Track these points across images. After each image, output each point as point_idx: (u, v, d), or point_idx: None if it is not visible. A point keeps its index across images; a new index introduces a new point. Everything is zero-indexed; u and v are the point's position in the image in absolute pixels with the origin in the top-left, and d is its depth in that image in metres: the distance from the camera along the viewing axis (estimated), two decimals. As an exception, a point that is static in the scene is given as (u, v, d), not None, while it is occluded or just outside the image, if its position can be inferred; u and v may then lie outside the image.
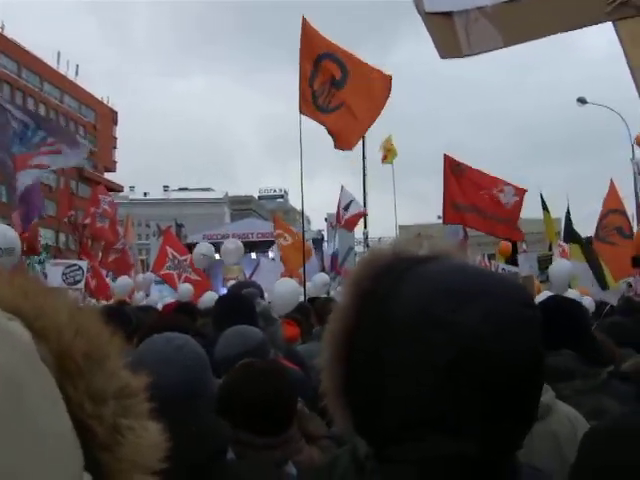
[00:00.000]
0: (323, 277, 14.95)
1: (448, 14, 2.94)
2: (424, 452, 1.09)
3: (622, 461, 1.93)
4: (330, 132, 9.61)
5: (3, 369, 0.47)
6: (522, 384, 1.10)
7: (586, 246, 15.10)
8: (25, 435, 0.48)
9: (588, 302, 11.85)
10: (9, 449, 0.46)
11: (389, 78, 9.69)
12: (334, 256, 20.50)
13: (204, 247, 16.22)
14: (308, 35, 9.41)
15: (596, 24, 2.81)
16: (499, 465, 1.12)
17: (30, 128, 9.68)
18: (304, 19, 9.42)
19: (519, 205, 12.47)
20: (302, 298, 9.76)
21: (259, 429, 2.48)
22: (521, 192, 12.50)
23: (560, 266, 14.13)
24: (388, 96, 9.66)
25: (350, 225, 18.93)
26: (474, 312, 1.08)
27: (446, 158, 12.52)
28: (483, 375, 1.07)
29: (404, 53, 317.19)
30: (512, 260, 15.55)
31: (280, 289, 8.66)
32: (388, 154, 18.66)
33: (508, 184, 12.45)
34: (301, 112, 9.45)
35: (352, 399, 1.17)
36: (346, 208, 18.26)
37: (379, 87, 9.64)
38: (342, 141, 9.71)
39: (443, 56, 2.99)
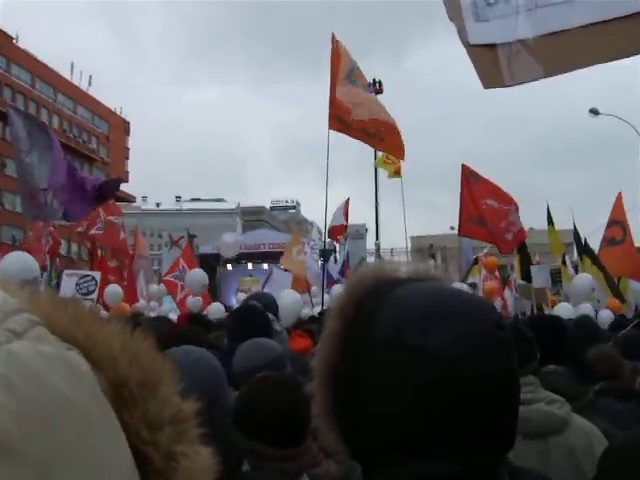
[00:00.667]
0: (340, 289, 14.97)
1: (491, 46, 3.04)
2: (403, 473, 1.11)
3: (633, 477, 1.97)
4: (377, 145, 9.79)
5: (68, 401, 0.49)
6: (496, 404, 1.12)
7: (597, 259, 15.14)
8: (95, 470, 0.49)
9: (606, 315, 11.83)
10: None
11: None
12: (345, 262, 20.51)
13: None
14: (337, 52, 9.49)
15: (637, 55, 2.87)
16: None
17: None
18: (334, 36, 9.48)
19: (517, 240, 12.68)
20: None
21: (275, 441, 2.50)
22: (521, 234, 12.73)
23: (582, 280, 14.15)
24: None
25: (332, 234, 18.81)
26: (444, 334, 1.10)
27: (464, 168, 12.54)
28: (456, 396, 1.09)
29: (417, 60, 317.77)
30: (525, 271, 15.49)
31: (282, 301, 8.71)
32: (394, 167, 18.57)
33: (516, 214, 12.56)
34: (330, 128, 9.50)
35: (339, 422, 1.20)
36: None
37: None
38: (394, 150, 9.89)
39: (486, 86, 3.09)
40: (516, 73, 3.00)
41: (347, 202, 18.51)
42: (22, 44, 69.56)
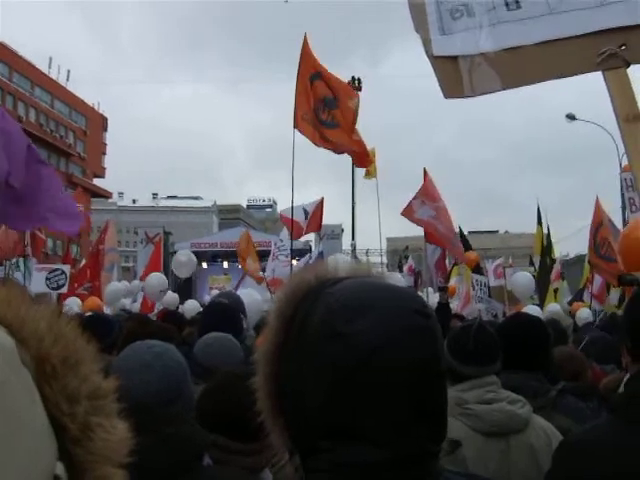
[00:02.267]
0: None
1: (454, 58, 3.20)
2: (334, 461, 1.15)
3: (583, 473, 2.03)
4: (349, 152, 9.76)
5: None
6: (419, 391, 1.15)
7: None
8: (7, 426, 0.54)
9: (586, 314, 12.05)
10: None
11: (358, 97, 9.86)
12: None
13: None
14: (307, 53, 9.50)
15: (586, 73, 3.05)
16: (413, 471, 1.16)
17: None
18: (305, 37, 9.50)
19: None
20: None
21: (236, 435, 2.51)
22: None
23: (521, 278, 14.56)
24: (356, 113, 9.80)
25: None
26: (366, 323, 1.15)
27: (425, 174, 12.63)
28: (380, 383, 1.13)
29: (392, 65, 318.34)
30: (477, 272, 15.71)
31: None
32: (370, 169, 18.32)
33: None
34: (295, 127, 9.50)
35: (280, 414, 1.25)
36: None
37: (355, 107, 9.78)
38: (361, 160, 9.85)
39: (447, 96, 3.24)
40: (476, 84, 3.16)
41: (321, 202, 18.37)
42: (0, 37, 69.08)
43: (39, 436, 0.58)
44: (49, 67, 77.55)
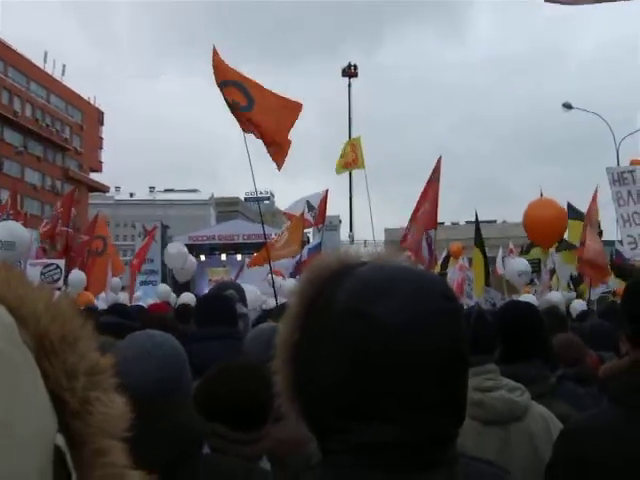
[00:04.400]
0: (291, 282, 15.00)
1: None
2: (353, 441, 1.15)
3: (585, 462, 2.04)
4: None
5: None
6: (441, 373, 1.16)
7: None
8: (10, 394, 0.57)
9: (580, 306, 12.06)
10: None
11: (299, 105, 9.76)
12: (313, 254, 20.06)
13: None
14: (215, 63, 9.52)
15: None
16: (431, 452, 1.16)
17: None
18: (215, 48, 9.55)
19: None
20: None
21: (235, 424, 2.52)
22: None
23: (517, 265, 14.68)
24: (294, 122, 9.74)
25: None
26: (391, 304, 1.15)
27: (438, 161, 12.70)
28: (403, 365, 1.13)
29: (389, 56, 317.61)
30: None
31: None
32: (355, 160, 17.88)
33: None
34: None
35: (298, 396, 1.25)
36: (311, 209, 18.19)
37: (287, 114, 9.72)
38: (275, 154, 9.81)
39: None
40: None
41: (326, 194, 18.24)
42: (-6, 32, 68.83)
43: (41, 406, 0.61)
44: (44, 62, 77.42)
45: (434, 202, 12.44)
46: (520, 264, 15.40)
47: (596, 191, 14.17)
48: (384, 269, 1.24)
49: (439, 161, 12.79)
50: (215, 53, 9.56)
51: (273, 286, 9.79)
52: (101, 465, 0.67)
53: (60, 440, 0.63)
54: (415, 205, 13.05)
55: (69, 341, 0.67)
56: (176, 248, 18.23)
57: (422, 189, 12.87)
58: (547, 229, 13.76)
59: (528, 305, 3.93)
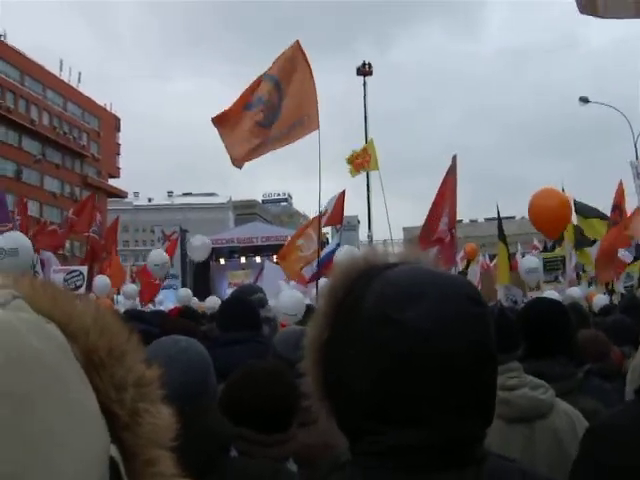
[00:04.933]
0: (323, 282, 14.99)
1: None
2: (383, 443, 1.17)
3: (613, 461, 2.02)
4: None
5: (42, 353, 0.58)
6: (471, 376, 1.17)
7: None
8: (67, 408, 0.58)
9: (602, 301, 11.99)
10: (57, 416, 0.56)
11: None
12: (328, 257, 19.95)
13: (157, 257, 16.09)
14: (303, 56, 9.52)
15: None
16: (459, 454, 1.18)
17: None
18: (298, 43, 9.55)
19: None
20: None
21: (261, 427, 2.54)
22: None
23: (527, 262, 14.63)
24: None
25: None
26: (419, 310, 1.16)
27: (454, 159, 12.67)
28: (432, 368, 1.15)
29: (401, 53, 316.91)
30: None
31: (285, 301, 8.77)
32: (368, 161, 17.73)
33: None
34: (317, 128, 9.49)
35: (329, 397, 1.27)
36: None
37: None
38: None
39: (581, 11, 3.33)
40: (610, 7, 3.22)
41: (343, 195, 18.20)
42: (10, 41, 69.30)
43: (95, 419, 0.62)
44: (60, 70, 77.89)
45: (452, 202, 12.41)
46: (531, 262, 15.31)
47: (621, 184, 14.15)
48: (411, 273, 1.25)
49: (454, 159, 12.76)
50: (299, 47, 9.59)
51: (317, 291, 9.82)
52: (151, 475, 0.69)
53: (114, 451, 0.64)
54: (431, 206, 13.01)
55: (116, 355, 0.69)
56: (200, 240, 18.43)
57: (438, 188, 12.84)
58: (552, 218, 13.73)
59: (553, 302, 3.90)
